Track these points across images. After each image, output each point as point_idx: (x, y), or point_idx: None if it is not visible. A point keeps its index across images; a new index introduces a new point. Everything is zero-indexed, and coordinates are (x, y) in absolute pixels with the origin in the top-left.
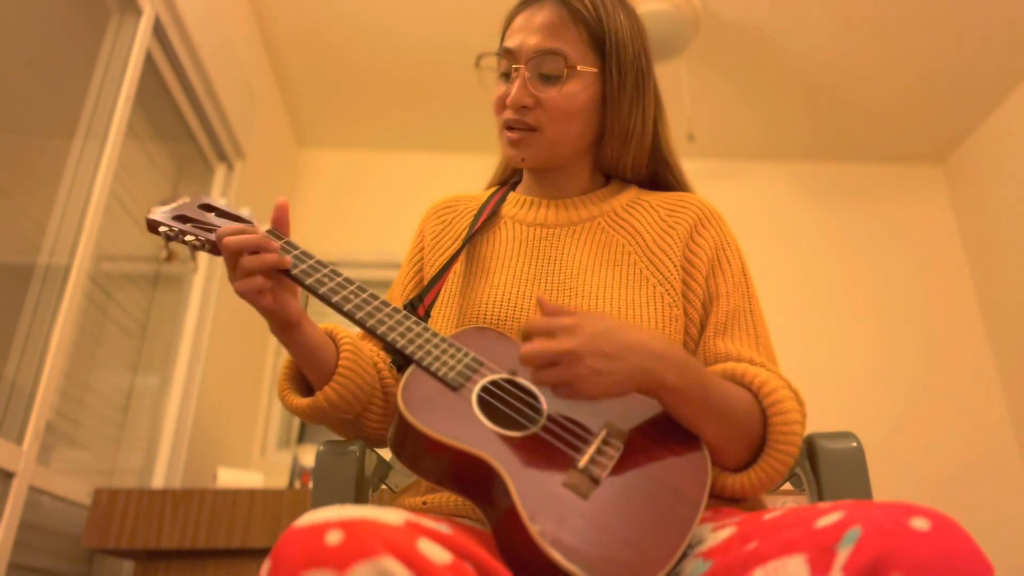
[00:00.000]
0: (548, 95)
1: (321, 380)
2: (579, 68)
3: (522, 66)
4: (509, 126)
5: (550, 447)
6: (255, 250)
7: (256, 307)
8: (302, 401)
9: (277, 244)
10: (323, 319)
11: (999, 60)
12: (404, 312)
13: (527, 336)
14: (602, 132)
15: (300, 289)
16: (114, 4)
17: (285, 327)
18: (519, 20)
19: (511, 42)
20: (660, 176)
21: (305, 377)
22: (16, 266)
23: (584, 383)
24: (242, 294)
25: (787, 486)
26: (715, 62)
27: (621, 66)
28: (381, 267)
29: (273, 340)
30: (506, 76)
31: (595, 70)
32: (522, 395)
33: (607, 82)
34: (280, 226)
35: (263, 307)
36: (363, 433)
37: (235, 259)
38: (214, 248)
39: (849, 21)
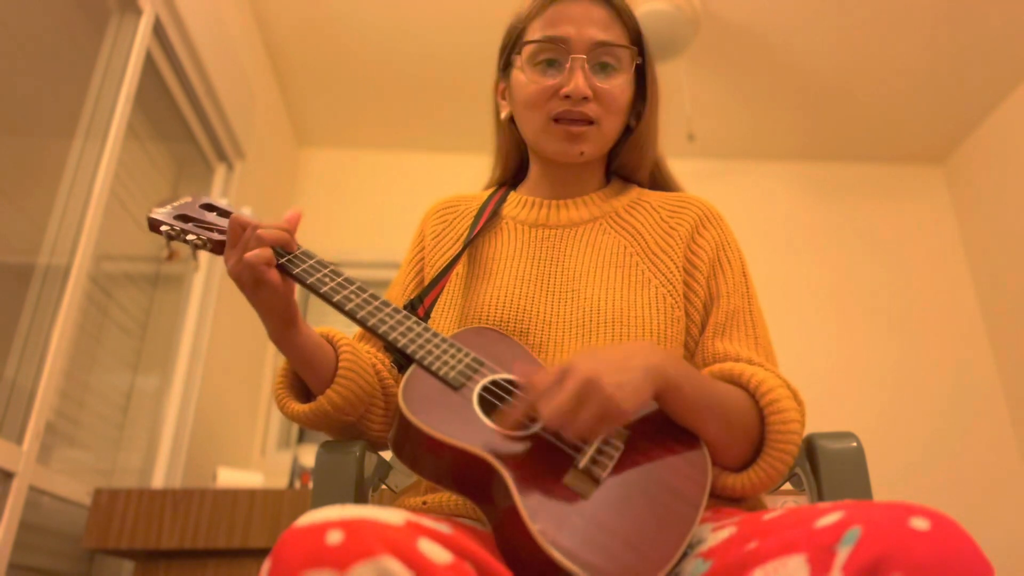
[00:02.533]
0: (607, 87)
1: (320, 384)
2: (629, 63)
3: (583, 56)
4: (570, 118)
5: (550, 447)
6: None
7: (259, 293)
8: (303, 407)
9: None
10: (323, 320)
11: (999, 60)
12: (405, 312)
13: (537, 398)
14: (625, 129)
15: (299, 292)
16: (114, 4)
17: (284, 324)
18: (563, 10)
19: (560, 31)
20: (656, 177)
21: (302, 384)
22: (16, 266)
23: (614, 402)
24: (251, 264)
25: (787, 486)
26: (715, 62)
27: (650, 66)
28: (381, 267)
29: None
30: (548, 64)
31: (636, 66)
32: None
33: (640, 80)
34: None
35: (270, 283)
36: (364, 436)
37: (240, 234)
38: (215, 247)
39: (849, 21)
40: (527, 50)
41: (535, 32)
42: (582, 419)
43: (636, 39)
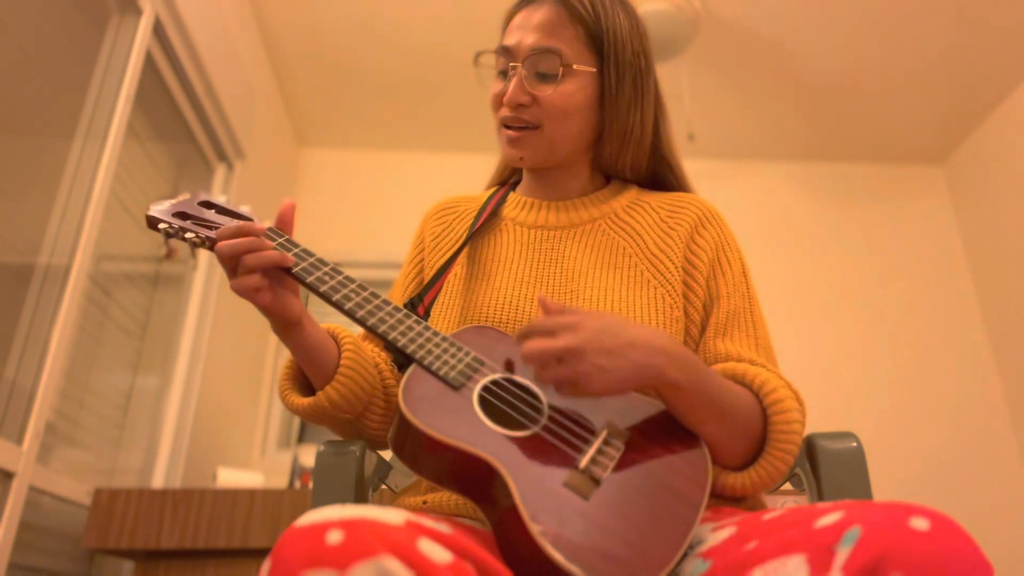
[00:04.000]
0: (545, 93)
1: (322, 380)
2: (575, 67)
3: (519, 64)
4: (507, 124)
5: (551, 447)
6: (251, 250)
7: (255, 305)
8: (303, 401)
9: (272, 243)
10: (324, 319)
11: (999, 60)
12: (405, 311)
13: (528, 334)
14: (601, 131)
15: (302, 288)
16: (114, 4)
17: (286, 325)
18: (517, 18)
19: (509, 40)
20: (661, 176)
21: (306, 377)
22: (16, 266)
23: (587, 380)
24: (239, 292)
25: (787, 486)
26: (715, 62)
27: (619, 65)
28: (381, 267)
29: (273, 340)
30: (504, 74)
31: (592, 69)
32: (523, 394)
33: (605, 81)
34: (284, 225)
35: (262, 305)
36: (363, 434)
37: (232, 262)
38: (214, 245)
39: (849, 21)
40: (485, 60)
41: (499, 41)
42: (551, 374)
43: (596, 39)
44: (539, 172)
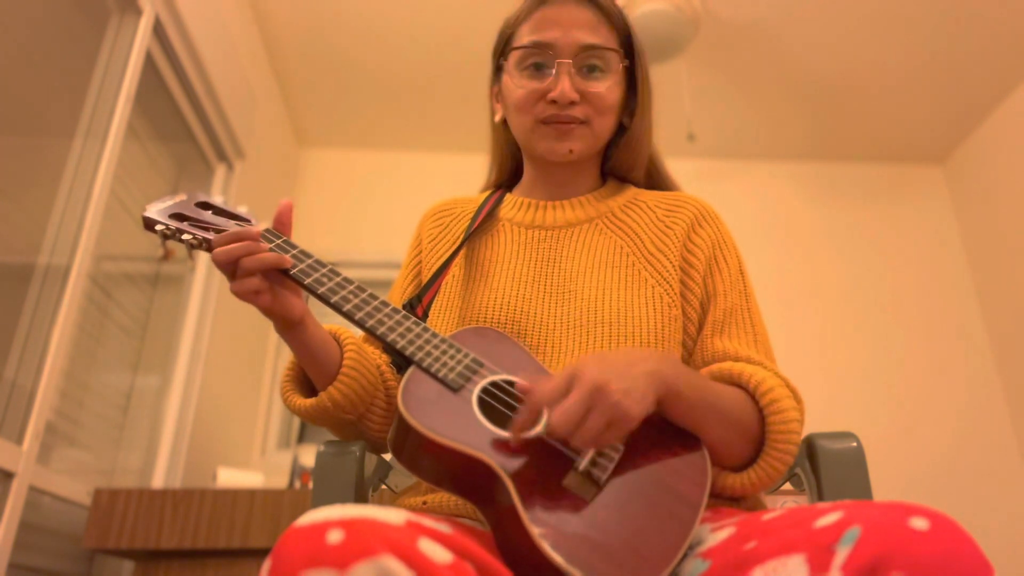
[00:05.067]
0: (595, 89)
1: (324, 380)
2: (617, 65)
3: (568, 60)
4: (557, 120)
5: (551, 449)
6: (248, 253)
7: (256, 307)
8: (305, 402)
9: (268, 246)
10: (323, 320)
11: (999, 60)
12: (404, 312)
13: (536, 406)
14: (618, 129)
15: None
16: (114, 4)
17: (288, 325)
18: (550, 14)
19: (547, 36)
20: (652, 175)
21: (308, 379)
22: (16, 266)
23: (622, 408)
24: (239, 296)
25: (787, 486)
26: (715, 62)
27: (641, 66)
28: (381, 267)
29: (273, 340)
30: (537, 69)
31: (624, 67)
32: (523, 396)
33: (630, 81)
34: (282, 226)
35: (262, 307)
36: (365, 436)
37: (230, 267)
38: (211, 247)
39: (849, 21)
40: (515, 55)
41: (523, 36)
42: (590, 426)
43: (625, 39)
44: (551, 169)
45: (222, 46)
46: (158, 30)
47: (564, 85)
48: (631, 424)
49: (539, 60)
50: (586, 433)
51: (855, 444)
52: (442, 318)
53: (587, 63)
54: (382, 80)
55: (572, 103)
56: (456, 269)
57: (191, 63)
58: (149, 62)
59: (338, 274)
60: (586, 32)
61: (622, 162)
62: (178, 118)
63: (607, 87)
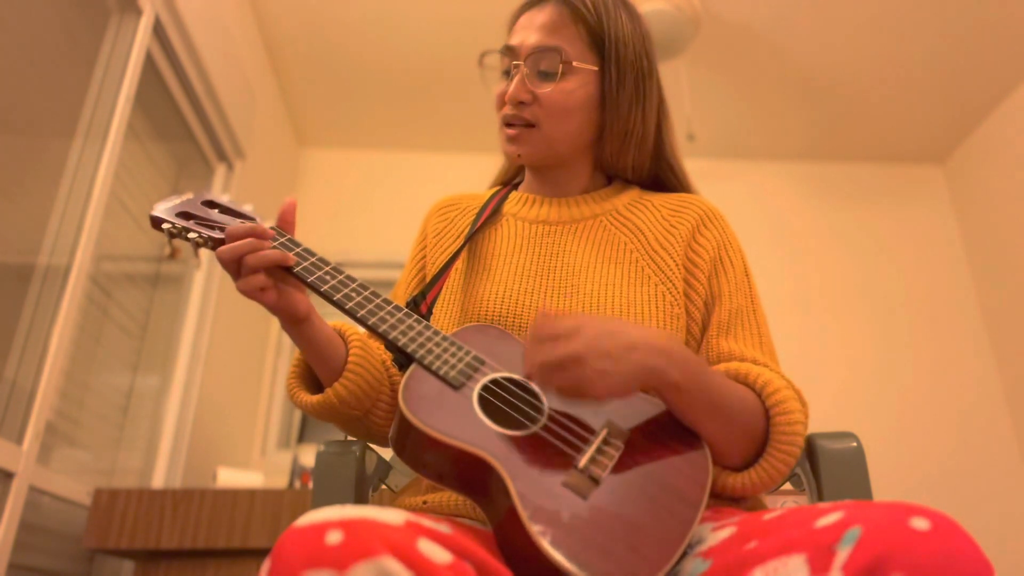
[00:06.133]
0: (544, 91)
1: (330, 376)
2: (576, 65)
3: (521, 63)
4: (507, 122)
5: (550, 446)
6: (252, 250)
7: (262, 304)
8: (312, 398)
9: (271, 244)
10: (328, 318)
11: (999, 60)
12: (405, 310)
13: (531, 341)
14: (602, 131)
15: None
16: (114, 4)
17: (294, 322)
18: (522, 19)
19: (513, 40)
20: (662, 178)
21: (314, 375)
22: (16, 266)
23: (589, 385)
24: (245, 293)
25: (787, 486)
26: (715, 62)
27: (620, 65)
28: (382, 267)
29: (273, 340)
30: (507, 74)
31: (594, 68)
32: (523, 394)
33: (606, 80)
34: (285, 224)
35: (268, 304)
36: (371, 431)
37: (234, 265)
38: (217, 245)
39: (849, 21)
40: (489, 61)
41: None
42: (553, 382)
43: (598, 39)
44: (541, 170)
45: (222, 46)
46: (158, 30)
47: (510, 87)
48: (593, 399)
49: (506, 64)
50: (547, 384)
51: (855, 444)
52: (445, 312)
53: (538, 66)
54: (382, 80)
55: (521, 104)
56: (460, 264)
57: (191, 63)
58: (149, 62)
59: (341, 272)
60: (543, 34)
61: (605, 160)
62: (178, 118)
63: (559, 88)
